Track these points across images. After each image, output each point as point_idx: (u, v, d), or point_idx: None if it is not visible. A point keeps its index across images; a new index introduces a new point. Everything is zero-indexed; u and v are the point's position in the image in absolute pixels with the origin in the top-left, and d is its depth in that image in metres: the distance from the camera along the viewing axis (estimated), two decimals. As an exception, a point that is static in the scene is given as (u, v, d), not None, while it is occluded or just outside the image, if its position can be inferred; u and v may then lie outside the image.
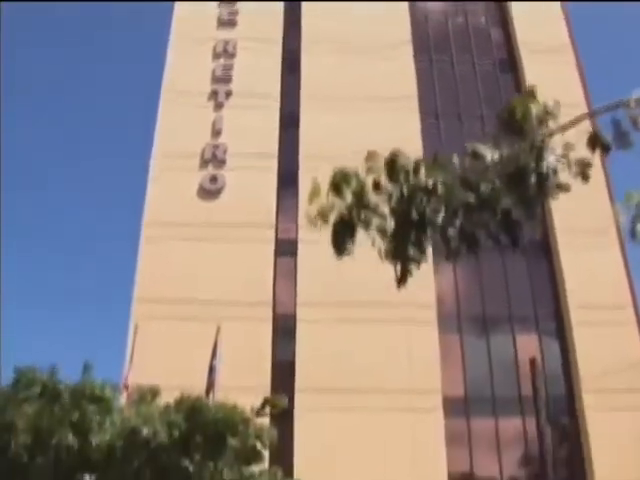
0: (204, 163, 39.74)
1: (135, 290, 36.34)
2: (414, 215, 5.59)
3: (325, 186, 5.75)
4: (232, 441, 14.62)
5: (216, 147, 40.02)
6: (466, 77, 45.10)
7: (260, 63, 42.83)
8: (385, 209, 5.63)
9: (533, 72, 42.54)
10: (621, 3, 71.11)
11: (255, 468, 15.94)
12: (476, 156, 5.70)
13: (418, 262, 5.76)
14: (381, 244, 5.73)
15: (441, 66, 45.52)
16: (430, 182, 5.62)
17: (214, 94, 42.00)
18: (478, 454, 35.41)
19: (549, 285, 39.21)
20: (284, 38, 45.27)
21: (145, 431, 14.03)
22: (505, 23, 47.96)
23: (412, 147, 33.46)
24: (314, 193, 5.66)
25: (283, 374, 35.22)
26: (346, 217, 5.61)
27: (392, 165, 5.63)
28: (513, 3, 47.87)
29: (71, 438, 14.02)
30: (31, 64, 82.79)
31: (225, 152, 39.87)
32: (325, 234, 5.91)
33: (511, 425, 35.63)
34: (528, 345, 35.38)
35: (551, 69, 41.37)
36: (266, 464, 16.62)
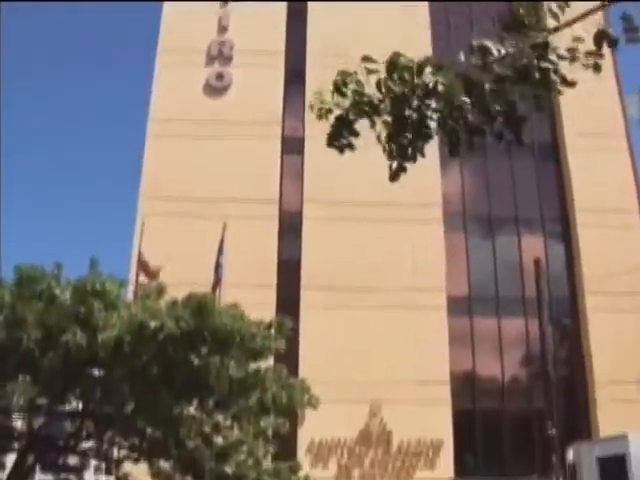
0: (210, 60, 39.14)
1: (141, 187, 36.34)
2: (412, 115, 5.59)
3: (330, 86, 5.76)
4: (239, 339, 14.77)
5: (222, 44, 39.33)
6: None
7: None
8: (385, 108, 5.64)
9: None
10: None
11: (261, 365, 16.19)
12: (482, 51, 5.62)
13: (414, 159, 5.72)
14: (383, 142, 5.75)
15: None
16: (431, 81, 5.58)
17: (221, -12, 41.01)
18: (480, 353, 35.97)
19: (556, 187, 39.10)
20: None
21: (153, 324, 14.16)
22: None
23: (421, 51, 33.13)
24: (319, 94, 5.66)
25: (289, 272, 35.53)
26: (344, 115, 5.65)
27: (393, 65, 5.60)
28: None
29: (79, 336, 14.16)
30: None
31: (232, 49, 39.20)
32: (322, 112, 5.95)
33: (513, 325, 36.06)
34: (533, 246, 35.51)
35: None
36: (271, 361, 16.87)
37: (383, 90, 5.63)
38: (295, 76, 38.75)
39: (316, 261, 35.00)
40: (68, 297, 15.35)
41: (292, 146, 38.05)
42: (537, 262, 25.91)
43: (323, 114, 5.65)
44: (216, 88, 38.48)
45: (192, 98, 37.95)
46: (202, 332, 14.53)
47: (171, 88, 37.83)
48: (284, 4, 41.08)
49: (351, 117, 5.67)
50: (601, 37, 5.51)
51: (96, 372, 15.71)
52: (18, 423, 20.41)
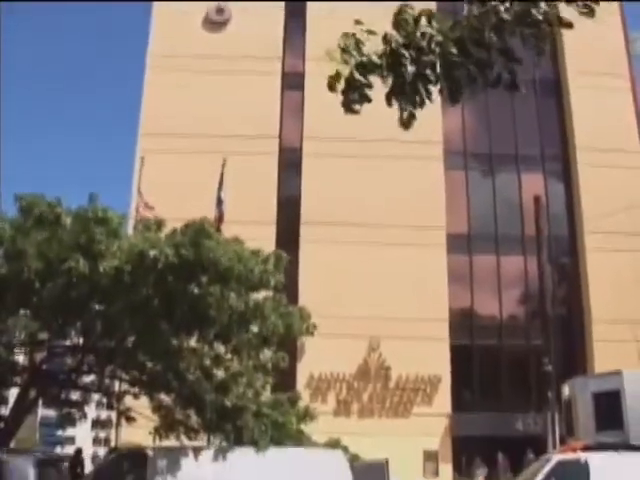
0: (210, -7, 38.53)
1: (141, 123, 36.13)
2: (408, 69, 5.63)
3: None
4: (239, 269, 14.77)
5: (222, -23, 38.67)
6: None
7: None
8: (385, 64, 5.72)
9: None
10: None
11: (260, 295, 16.23)
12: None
13: (421, 106, 5.79)
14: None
15: None
16: (427, 33, 5.62)
17: None
18: (479, 291, 36.16)
19: (557, 126, 38.88)
20: None
21: (152, 253, 14.11)
22: None
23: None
24: (330, 55, 5.70)
25: (289, 208, 35.51)
26: (351, 77, 5.72)
27: (399, 16, 5.61)
28: None
29: (82, 263, 14.12)
30: None
31: (231, -18, 38.57)
32: (333, 69, 5.96)
33: (512, 263, 36.17)
34: (533, 185, 35.38)
35: None
36: (271, 292, 16.94)
37: (387, 45, 5.68)
38: (296, 10, 38.21)
39: (316, 198, 34.95)
40: (70, 226, 15.32)
41: (292, 82, 37.69)
42: (537, 200, 25.83)
43: (334, 83, 5.70)
44: (216, 22, 37.99)
45: (191, 32, 37.49)
46: (201, 261, 14.52)
47: (169, 22, 37.33)
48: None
49: (357, 77, 5.70)
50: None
51: (96, 306, 15.75)
52: (20, 358, 20.59)
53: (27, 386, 18.35)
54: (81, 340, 18.26)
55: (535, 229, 25.06)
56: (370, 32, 5.63)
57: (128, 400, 20.77)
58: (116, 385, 21.57)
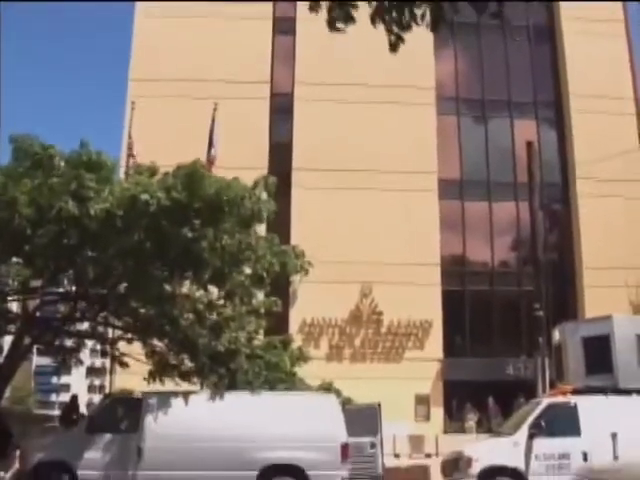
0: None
1: (131, 68, 35.80)
2: None
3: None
4: (232, 207, 14.66)
5: None
6: None
7: None
8: None
9: None
10: None
11: (253, 235, 16.15)
12: None
13: (409, 27, 5.76)
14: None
15: None
16: None
17: None
18: (471, 236, 36.26)
19: (550, 72, 38.65)
20: None
21: (144, 197, 14.02)
22: None
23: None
24: None
25: (280, 153, 35.39)
26: None
27: None
28: None
29: (71, 204, 14.01)
30: None
31: None
32: (323, 13, 5.95)
33: (504, 209, 36.25)
34: (526, 131, 35.28)
35: None
36: (264, 231, 16.83)
37: None
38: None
39: (308, 143, 34.82)
40: (61, 170, 15.21)
41: (283, 27, 37.33)
42: (529, 145, 25.69)
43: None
44: (205, -35, 37.37)
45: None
46: (193, 203, 14.44)
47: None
48: None
49: None
50: None
51: (89, 252, 15.68)
52: (13, 305, 20.60)
53: (21, 333, 18.34)
54: (74, 287, 18.23)
55: (527, 175, 25.00)
56: None
57: (122, 346, 20.83)
58: (110, 332, 21.61)
